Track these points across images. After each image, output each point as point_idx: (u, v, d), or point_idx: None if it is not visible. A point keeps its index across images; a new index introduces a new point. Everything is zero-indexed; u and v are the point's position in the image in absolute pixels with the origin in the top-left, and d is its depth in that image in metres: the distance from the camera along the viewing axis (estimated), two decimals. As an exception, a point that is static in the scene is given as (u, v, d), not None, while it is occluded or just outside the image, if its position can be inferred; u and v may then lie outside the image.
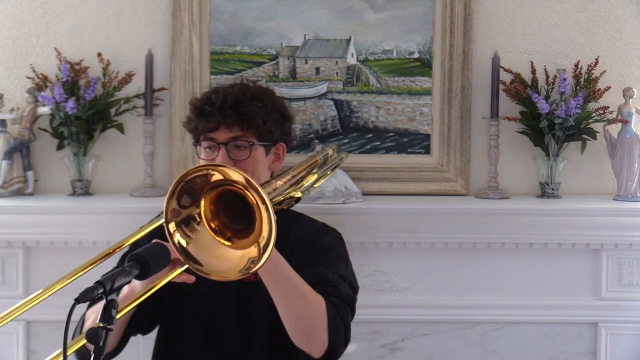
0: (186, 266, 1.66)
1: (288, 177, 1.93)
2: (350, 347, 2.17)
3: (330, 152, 2.41)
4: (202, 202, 1.59)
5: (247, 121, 1.99)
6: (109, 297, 1.42)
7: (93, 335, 1.39)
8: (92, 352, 1.39)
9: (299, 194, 1.99)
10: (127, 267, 1.48)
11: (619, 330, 3.04)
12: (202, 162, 2.03)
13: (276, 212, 1.72)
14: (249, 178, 1.52)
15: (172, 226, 1.57)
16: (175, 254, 1.60)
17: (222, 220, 1.61)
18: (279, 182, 1.85)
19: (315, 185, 2.25)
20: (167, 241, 1.58)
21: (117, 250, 1.69)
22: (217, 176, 1.56)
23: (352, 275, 2.06)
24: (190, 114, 2.07)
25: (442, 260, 3.00)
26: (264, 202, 1.51)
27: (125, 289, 1.79)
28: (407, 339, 3.04)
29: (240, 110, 1.99)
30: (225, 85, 2.10)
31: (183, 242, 1.57)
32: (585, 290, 3.03)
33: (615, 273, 3.01)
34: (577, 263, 3.02)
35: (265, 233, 1.52)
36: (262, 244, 1.53)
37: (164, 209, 1.56)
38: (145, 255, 1.50)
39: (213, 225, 1.61)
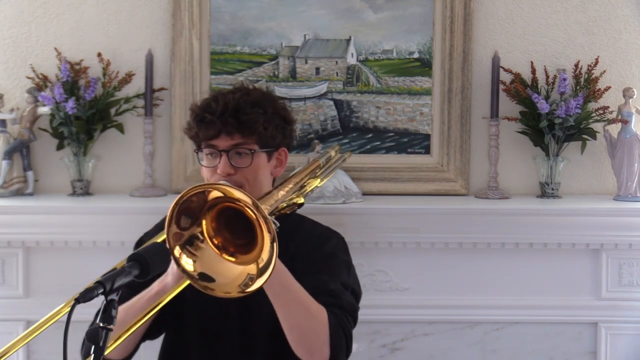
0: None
1: (290, 185, 1.92)
2: (351, 354, 2.16)
3: (332, 153, 2.39)
4: (203, 221, 1.59)
5: (249, 129, 1.98)
6: (109, 297, 1.41)
7: (93, 335, 1.39)
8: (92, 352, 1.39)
9: (301, 200, 1.97)
10: (127, 267, 1.48)
11: (619, 330, 3.03)
12: (203, 169, 2.04)
13: (278, 217, 1.72)
14: (248, 196, 1.52)
15: (177, 250, 1.57)
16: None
17: (224, 236, 1.61)
18: (281, 193, 1.84)
19: (318, 186, 2.24)
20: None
21: None
22: (214, 194, 1.56)
23: (354, 281, 2.06)
24: (191, 121, 2.05)
25: (442, 260, 3.00)
26: (265, 220, 1.50)
27: (155, 287, 1.83)
28: (407, 339, 3.04)
29: (241, 117, 1.97)
30: (225, 91, 2.09)
31: (190, 265, 1.58)
32: (585, 290, 3.03)
33: (615, 273, 3.01)
34: (577, 263, 3.02)
35: (265, 256, 1.52)
36: (260, 265, 1.54)
37: (166, 237, 1.56)
38: (145, 255, 1.50)
39: (216, 242, 1.61)
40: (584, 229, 2.96)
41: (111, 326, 1.41)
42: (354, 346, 3.00)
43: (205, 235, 1.60)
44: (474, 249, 2.99)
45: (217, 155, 1.99)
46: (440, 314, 3.02)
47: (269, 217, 1.51)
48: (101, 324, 1.40)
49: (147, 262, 1.50)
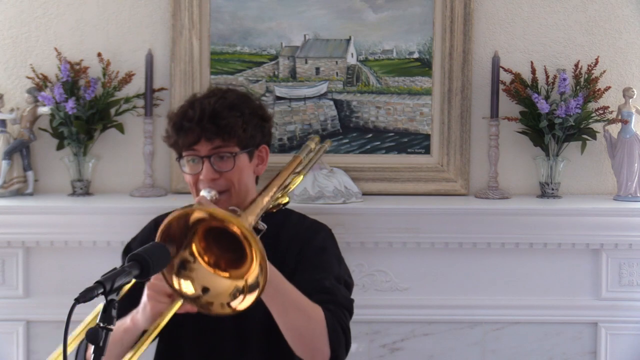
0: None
1: (274, 189, 1.91)
2: (350, 347, 2.15)
3: (312, 145, 2.38)
4: (192, 241, 1.59)
5: (228, 133, 1.99)
6: (109, 297, 1.41)
7: (93, 335, 1.39)
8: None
9: (286, 199, 2.00)
10: (127, 267, 1.47)
11: (619, 330, 3.04)
12: (186, 177, 2.04)
13: (265, 215, 1.72)
14: (231, 216, 1.51)
15: (175, 281, 1.59)
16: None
17: (215, 253, 1.62)
18: (266, 199, 1.83)
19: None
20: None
21: None
22: (195, 216, 1.55)
23: (345, 272, 2.06)
24: (169, 129, 2.05)
25: (442, 260, 3.00)
26: (251, 237, 1.51)
27: (128, 322, 1.83)
28: (407, 339, 3.04)
29: (220, 122, 1.98)
30: (201, 96, 2.08)
31: (190, 287, 1.59)
32: (585, 290, 3.03)
33: (615, 273, 3.01)
34: (577, 263, 3.02)
35: (251, 279, 1.54)
36: (250, 282, 1.55)
37: (163, 275, 1.57)
38: (145, 255, 1.50)
39: (207, 259, 1.62)
40: (584, 229, 2.96)
41: (111, 326, 1.41)
42: (354, 346, 3.02)
43: (196, 255, 1.60)
44: (474, 249, 2.99)
45: (199, 161, 2.00)
46: (440, 314, 3.02)
47: (254, 235, 1.51)
48: (101, 324, 1.40)
49: (147, 262, 1.50)
